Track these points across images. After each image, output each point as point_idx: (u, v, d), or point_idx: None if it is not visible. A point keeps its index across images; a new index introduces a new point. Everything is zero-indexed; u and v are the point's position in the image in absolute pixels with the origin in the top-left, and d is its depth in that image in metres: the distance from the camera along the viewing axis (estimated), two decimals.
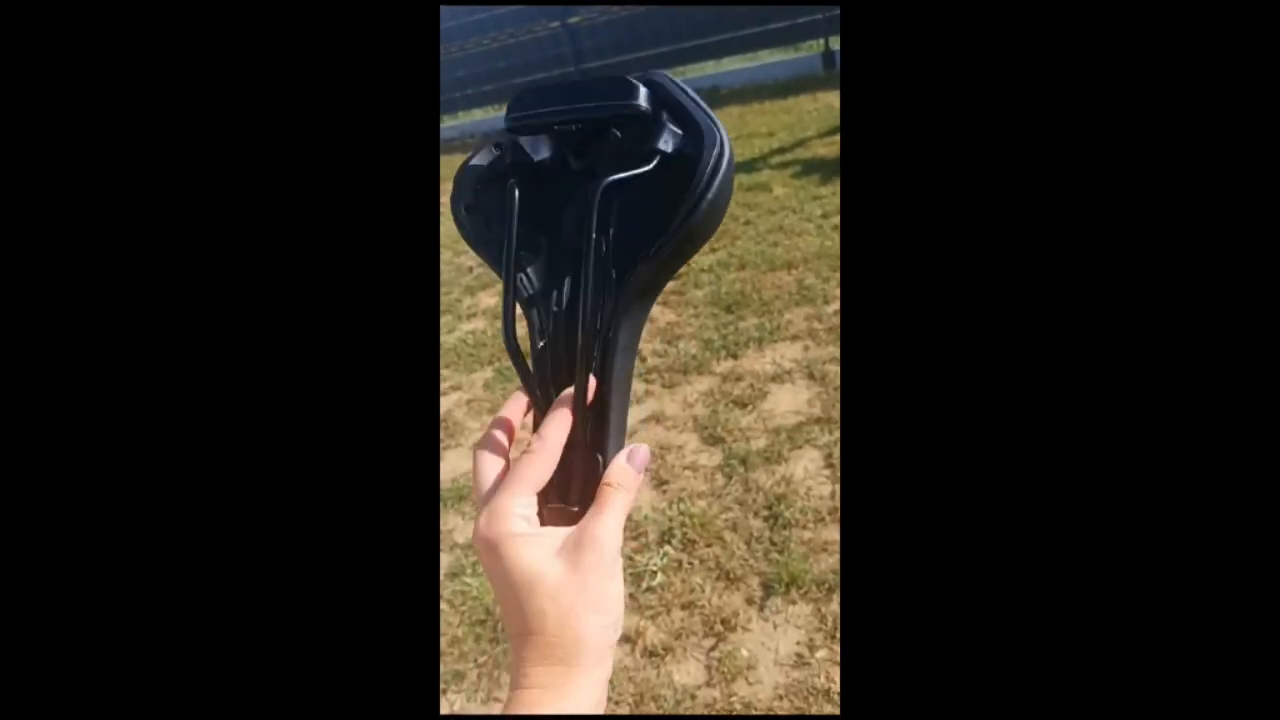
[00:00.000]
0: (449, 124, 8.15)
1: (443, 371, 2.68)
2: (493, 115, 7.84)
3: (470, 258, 3.78)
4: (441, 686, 1.42)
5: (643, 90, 0.37)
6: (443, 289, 3.46)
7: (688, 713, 1.26)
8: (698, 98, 0.38)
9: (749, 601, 1.43)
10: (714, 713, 1.25)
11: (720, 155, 0.36)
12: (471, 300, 3.27)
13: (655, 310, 2.71)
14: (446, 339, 2.93)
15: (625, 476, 0.36)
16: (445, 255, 3.89)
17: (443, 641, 1.51)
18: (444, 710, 1.37)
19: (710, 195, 0.36)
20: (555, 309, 0.39)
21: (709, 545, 1.58)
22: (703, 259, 2.98)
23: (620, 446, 0.38)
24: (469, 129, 7.83)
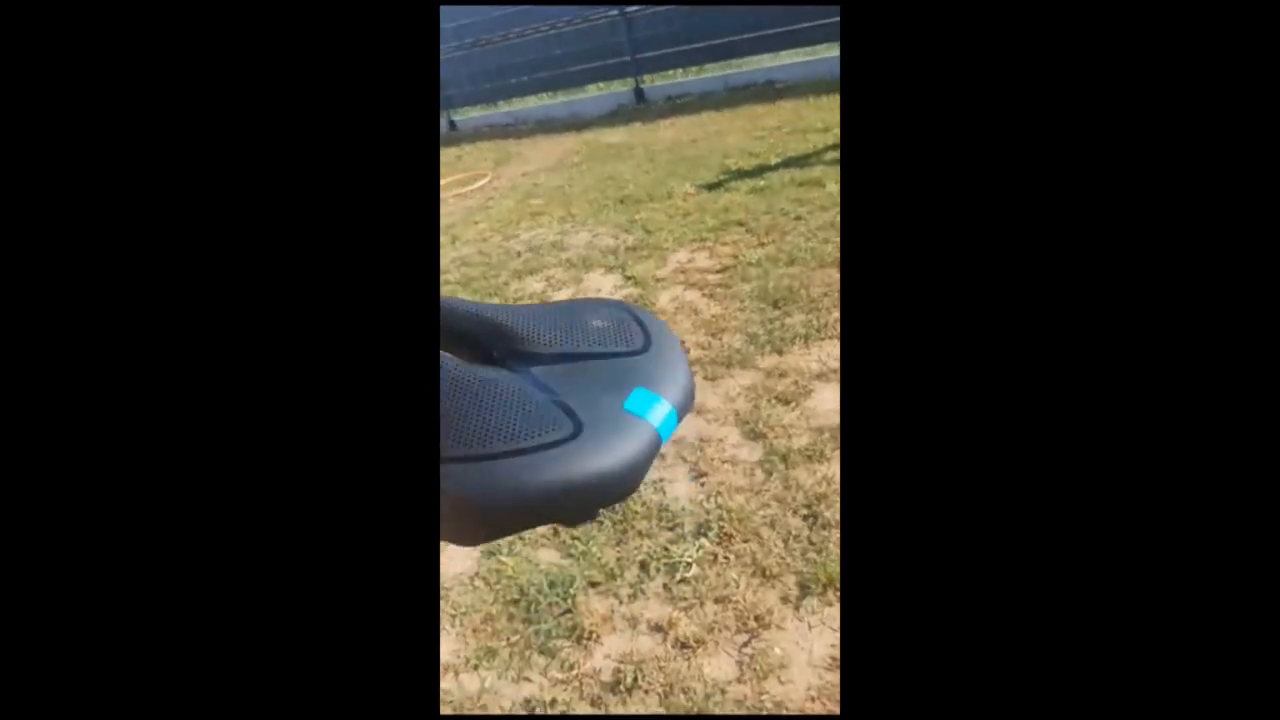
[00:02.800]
0: (504, 109, 8.22)
1: None
2: (547, 102, 7.89)
3: (518, 243, 3.81)
4: (474, 662, 1.44)
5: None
6: (490, 271, 3.50)
7: (717, 709, 1.26)
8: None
9: (784, 600, 1.42)
10: (743, 712, 1.25)
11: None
12: (519, 284, 3.30)
13: (700, 302, 2.70)
14: None
15: None
16: (495, 239, 3.94)
17: (476, 618, 1.54)
18: (474, 685, 1.40)
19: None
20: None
21: (746, 541, 1.57)
22: (751, 253, 2.95)
23: None
24: (523, 115, 7.89)
